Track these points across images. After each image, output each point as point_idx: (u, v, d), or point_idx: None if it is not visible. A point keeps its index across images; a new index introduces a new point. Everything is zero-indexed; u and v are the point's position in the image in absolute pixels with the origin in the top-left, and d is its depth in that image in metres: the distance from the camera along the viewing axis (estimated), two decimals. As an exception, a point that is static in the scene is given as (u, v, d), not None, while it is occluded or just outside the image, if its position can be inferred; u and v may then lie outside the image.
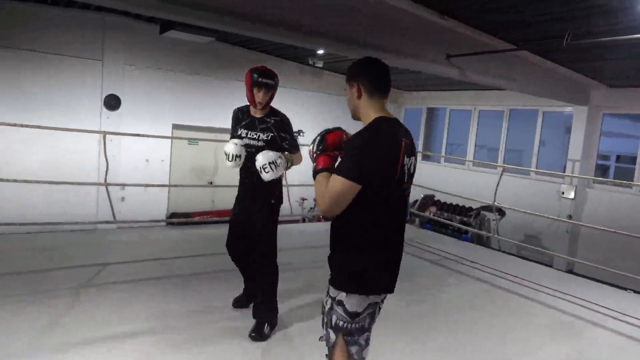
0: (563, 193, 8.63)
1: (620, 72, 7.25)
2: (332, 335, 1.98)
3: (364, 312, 1.95)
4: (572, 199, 8.51)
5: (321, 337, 2.06)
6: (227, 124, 3.51)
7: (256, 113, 3.32)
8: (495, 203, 6.28)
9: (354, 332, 1.96)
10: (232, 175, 3.68)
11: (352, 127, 2.11)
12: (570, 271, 7.41)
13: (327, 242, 2.06)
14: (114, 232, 6.31)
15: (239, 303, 3.68)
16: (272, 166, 3.08)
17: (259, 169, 3.10)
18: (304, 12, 4.56)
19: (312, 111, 9.99)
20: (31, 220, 5.86)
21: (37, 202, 7.05)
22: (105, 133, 5.57)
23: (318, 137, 2.08)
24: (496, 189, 6.24)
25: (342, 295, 1.95)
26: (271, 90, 3.25)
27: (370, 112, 2.02)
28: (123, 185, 6.99)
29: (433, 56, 5.84)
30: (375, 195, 1.91)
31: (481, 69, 6.37)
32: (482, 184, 9.06)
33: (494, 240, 8.79)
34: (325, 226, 2.26)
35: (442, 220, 8.86)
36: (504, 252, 7.56)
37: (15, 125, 5.16)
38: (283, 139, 3.30)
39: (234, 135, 3.38)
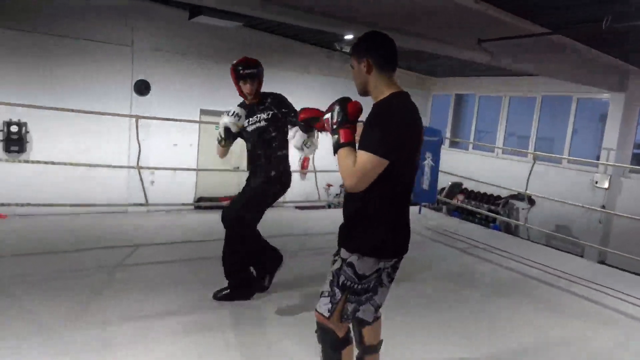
0: (597, 182, 8.38)
1: (661, 57, 6.98)
2: (338, 293, 2.05)
3: (371, 275, 2.03)
4: (606, 189, 8.27)
5: (323, 291, 2.10)
6: (254, 109, 3.54)
7: (252, 102, 3.47)
8: (526, 192, 6.15)
9: (359, 292, 2.06)
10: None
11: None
12: (602, 262, 7.22)
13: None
14: (144, 215, 6.47)
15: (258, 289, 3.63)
16: (310, 141, 3.13)
17: (299, 147, 3.13)
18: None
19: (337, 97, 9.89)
20: (68, 202, 6.04)
21: (73, 185, 7.22)
22: (138, 117, 5.68)
23: (337, 107, 2.05)
24: (528, 177, 6.11)
25: (353, 258, 2.02)
26: (256, 78, 3.39)
27: (382, 87, 2.02)
28: (154, 168, 7.11)
29: (464, 41, 5.72)
30: (401, 168, 1.96)
31: (514, 54, 6.21)
32: (510, 173, 8.87)
33: (522, 229, 8.64)
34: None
35: (470, 207, 8.74)
36: (533, 241, 7.43)
37: (51, 108, 5.31)
38: (285, 114, 3.39)
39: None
